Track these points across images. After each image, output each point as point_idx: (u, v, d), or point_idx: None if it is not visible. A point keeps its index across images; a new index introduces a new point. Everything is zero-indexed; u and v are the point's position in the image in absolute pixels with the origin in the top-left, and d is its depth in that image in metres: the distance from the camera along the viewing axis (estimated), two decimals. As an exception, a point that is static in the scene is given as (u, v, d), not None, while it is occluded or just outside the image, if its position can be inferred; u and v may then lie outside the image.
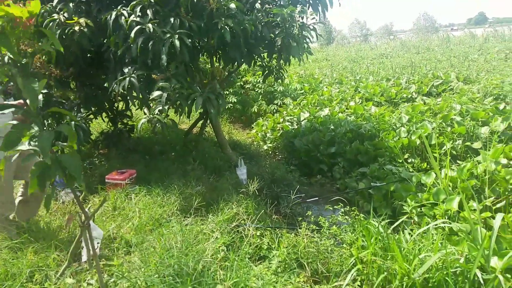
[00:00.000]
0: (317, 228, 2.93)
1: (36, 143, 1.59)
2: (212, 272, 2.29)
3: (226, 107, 8.12)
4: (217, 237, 2.74)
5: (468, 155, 4.40)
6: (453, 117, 5.25)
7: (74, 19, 3.62)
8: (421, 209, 3.40)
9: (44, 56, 3.67)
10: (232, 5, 3.58)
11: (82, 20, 3.59)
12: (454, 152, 4.65)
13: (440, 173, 3.60)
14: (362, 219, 2.90)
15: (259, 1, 4.01)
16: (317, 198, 4.28)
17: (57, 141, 1.76)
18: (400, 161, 4.54)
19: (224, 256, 2.57)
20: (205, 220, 3.19)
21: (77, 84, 4.62)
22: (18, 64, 1.61)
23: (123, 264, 2.38)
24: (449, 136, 4.88)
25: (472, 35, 24.40)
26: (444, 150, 4.58)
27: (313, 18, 4.13)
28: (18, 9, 1.45)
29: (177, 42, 3.39)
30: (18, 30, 1.52)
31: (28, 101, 1.59)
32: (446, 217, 3.11)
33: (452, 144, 4.65)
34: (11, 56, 1.59)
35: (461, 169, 3.60)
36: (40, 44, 1.72)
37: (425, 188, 3.68)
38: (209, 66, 5.07)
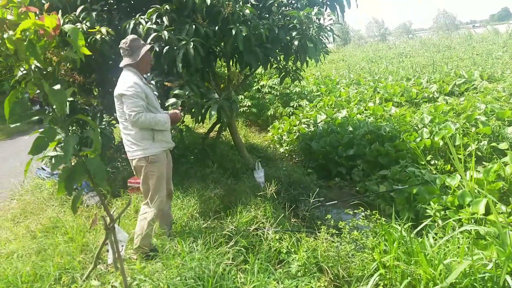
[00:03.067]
0: (337, 232, 2.89)
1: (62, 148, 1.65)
2: (233, 275, 2.30)
3: (242, 110, 8.17)
4: (236, 240, 2.75)
5: (494, 157, 4.26)
6: (478, 117, 5.09)
7: (96, 28, 3.73)
8: (445, 212, 3.31)
9: (68, 64, 3.79)
10: (247, 11, 3.60)
11: (103, 29, 3.69)
12: (479, 154, 4.51)
13: (465, 175, 3.50)
14: (383, 223, 2.85)
15: (275, 4, 4.01)
16: (336, 202, 4.23)
17: (83, 147, 1.81)
18: (423, 163, 4.44)
19: (243, 259, 2.57)
20: (224, 223, 3.21)
21: (100, 90, 4.75)
22: (45, 72, 1.67)
23: (146, 267, 2.42)
24: (473, 137, 4.73)
25: (496, 31, 23.63)
26: (468, 151, 4.45)
27: (330, 19, 4.10)
28: (47, 20, 1.51)
29: (191, 50, 3.43)
30: (44, 40, 1.58)
31: (55, 107, 1.65)
32: (472, 221, 3.02)
33: (477, 145, 4.51)
34: (38, 64, 1.66)
35: (487, 171, 3.49)
36: (63, 52, 1.78)
37: (450, 191, 3.58)
38: (226, 70, 5.10)
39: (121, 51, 2.82)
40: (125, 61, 2.79)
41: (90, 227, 3.19)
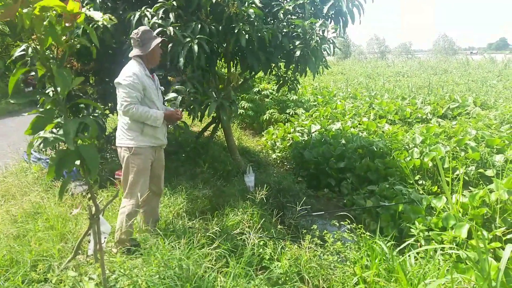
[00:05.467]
0: (321, 243, 2.89)
1: (60, 132, 1.63)
2: (213, 278, 2.28)
3: (239, 112, 8.16)
4: (220, 242, 2.73)
5: (480, 182, 4.32)
6: (468, 142, 5.17)
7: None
8: (429, 233, 3.34)
9: (74, 48, 3.74)
10: (251, 11, 3.61)
11: (106, 16, 3.65)
12: (467, 178, 4.57)
13: (451, 198, 3.54)
14: (367, 237, 2.86)
15: (282, 11, 4.03)
16: (323, 212, 4.24)
17: (78, 133, 1.79)
18: (411, 182, 4.48)
19: (225, 262, 2.56)
20: (210, 224, 3.19)
21: (96, 79, 4.70)
22: (52, 53, 1.66)
23: (125, 261, 2.39)
24: (462, 161, 4.80)
25: (492, 60, 24.12)
26: (456, 175, 4.51)
27: (334, 32, 4.14)
28: (71, 4, 1.50)
29: (195, 47, 3.43)
30: (63, 24, 1.57)
31: (58, 89, 1.63)
32: (454, 244, 3.05)
33: (465, 169, 4.58)
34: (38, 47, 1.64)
35: (473, 196, 3.54)
36: (71, 37, 1.77)
37: (435, 212, 3.62)
38: (226, 71, 5.11)
39: (131, 41, 2.79)
40: (134, 51, 2.76)
41: (71, 213, 3.14)
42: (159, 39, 2.78)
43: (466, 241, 3.02)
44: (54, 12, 1.50)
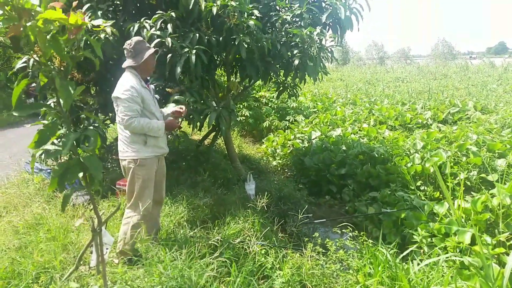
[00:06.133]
0: (323, 251, 2.88)
1: (61, 142, 1.64)
2: (215, 288, 2.27)
3: (238, 119, 8.18)
4: (221, 251, 2.72)
5: (482, 187, 4.31)
6: (469, 147, 5.17)
7: (101, 27, 3.73)
8: (431, 240, 3.32)
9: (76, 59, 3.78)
10: (251, 23, 3.65)
11: (108, 29, 3.69)
12: (469, 183, 4.56)
13: (453, 204, 3.53)
14: (370, 245, 2.85)
15: (279, 21, 4.07)
16: (324, 220, 4.23)
17: (80, 145, 1.80)
18: (412, 188, 4.47)
19: (227, 271, 2.54)
20: (211, 233, 3.18)
21: (97, 89, 4.73)
22: (56, 67, 1.67)
23: (127, 272, 2.38)
24: (464, 166, 4.79)
25: (492, 64, 24.21)
26: (458, 180, 4.50)
27: (332, 40, 4.17)
28: (72, 17, 1.52)
29: (193, 57, 3.46)
30: (66, 37, 1.59)
31: (61, 101, 1.64)
32: (458, 250, 3.04)
33: (466, 174, 4.57)
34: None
35: (475, 202, 3.53)
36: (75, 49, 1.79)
37: (437, 218, 3.60)
38: (226, 79, 5.14)
39: (125, 51, 2.80)
40: (128, 62, 2.77)
41: (74, 226, 3.14)
42: (152, 50, 2.79)
43: (469, 247, 3.00)
44: (57, 24, 1.51)
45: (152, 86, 3.02)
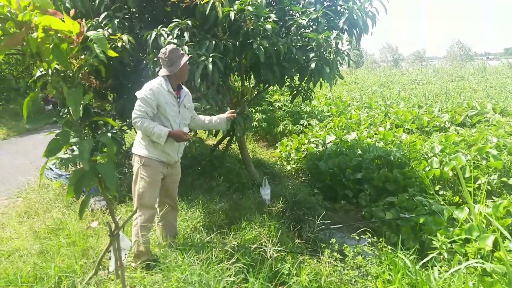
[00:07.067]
0: (341, 257, 2.85)
1: (75, 152, 1.67)
2: (233, 294, 2.27)
3: (252, 124, 8.19)
4: (238, 257, 2.72)
5: (504, 192, 4.19)
6: (489, 150, 5.03)
7: (117, 35, 3.81)
8: (452, 245, 3.24)
9: (86, 68, 3.87)
10: (268, 26, 3.66)
11: (125, 37, 3.77)
12: (489, 188, 4.43)
13: (474, 208, 3.44)
14: (389, 251, 2.80)
15: (295, 25, 4.08)
16: (341, 225, 4.17)
17: (95, 151, 1.83)
18: (431, 192, 4.38)
19: (244, 277, 2.54)
20: (227, 238, 3.18)
21: (114, 96, 4.82)
22: (63, 75, 1.71)
23: (145, 277, 2.40)
24: (484, 170, 4.67)
25: (510, 65, 23.61)
26: (478, 184, 4.38)
27: (348, 44, 4.15)
28: (70, 25, 1.54)
29: (210, 66, 3.49)
30: (67, 45, 1.62)
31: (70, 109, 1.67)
32: (479, 256, 2.95)
33: (487, 178, 4.45)
34: (57, 67, 1.69)
35: (496, 206, 3.43)
36: (83, 57, 1.82)
37: (457, 224, 3.52)
38: (239, 85, 5.16)
39: (160, 60, 2.83)
40: (163, 71, 2.80)
41: (86, 228, 3.19)
42: (186, 57, 2.81)
43: (491, 253, 2.92)
44: (58, 34, 1.54)
45: (186, 91, 3.01)
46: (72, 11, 1.92)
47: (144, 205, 2.76)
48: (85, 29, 1.88)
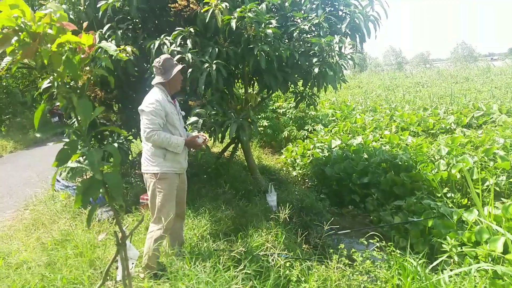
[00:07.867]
0: (349, 262, 2.81)
1: (86, 162, 1.68)
2: (240, 302, 2.25)
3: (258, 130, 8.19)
4: (245, 264, 2.70)
5: (513, 193, 4.14)
6: (496, 151, 4.98)
7: (121, 47, 3.86)
8: (461, 248, 3.19)
9: (92, 78, 3.91)
10: (269, 31, 3.68)
11: (128, 48, 3.81)
12: (498, 189, 4.38)
13: (483, 210, 3.39)
14: (398, 255, 2.77)
15: (297, 31, 4.09)
16: (349, 231, 4.14)
17: (101, 161, 1.84)
18: (439, 195, 4.33)
19: (252, 285, 2.52)
20: (234, 245, 3.17)
21: (120, 106, 4.87)
22: (72, 85, 1.73)
23: (153, 286, 2.40)
24: (492, 172, 4.61)
25: (515, 65, 23.43)
26: (486, 186, 4.33)
27: (351, 47, 4.15)
28: (84, 37, 1.57)
29: (214, 72, 3.53)
30: (79, 56, 1.65)
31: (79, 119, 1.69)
32: (490, 259, 2.90)
33: (495, 180, 4.39)
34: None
35: (506, 208, 3.38)
36: (89, 68, 1.85)
37: (466, 226, 3.47)
38: (243, 91, 5.18)
39: (154, 69, 2.91)
40: (157, 79, 2.87)
41: (97, 239, 3.20)
42: (179, 66, 2.88)
43: (502, 256, 2.86)
44: (70, 46, 1.57)
45: (177, 103, 3.09)
46: (85, 24, 1.96)
47: (164, 217, 2.77)
48: (98, 40, 1.91)
